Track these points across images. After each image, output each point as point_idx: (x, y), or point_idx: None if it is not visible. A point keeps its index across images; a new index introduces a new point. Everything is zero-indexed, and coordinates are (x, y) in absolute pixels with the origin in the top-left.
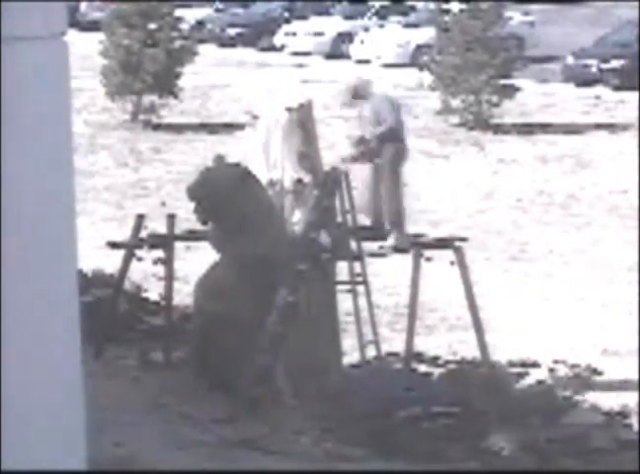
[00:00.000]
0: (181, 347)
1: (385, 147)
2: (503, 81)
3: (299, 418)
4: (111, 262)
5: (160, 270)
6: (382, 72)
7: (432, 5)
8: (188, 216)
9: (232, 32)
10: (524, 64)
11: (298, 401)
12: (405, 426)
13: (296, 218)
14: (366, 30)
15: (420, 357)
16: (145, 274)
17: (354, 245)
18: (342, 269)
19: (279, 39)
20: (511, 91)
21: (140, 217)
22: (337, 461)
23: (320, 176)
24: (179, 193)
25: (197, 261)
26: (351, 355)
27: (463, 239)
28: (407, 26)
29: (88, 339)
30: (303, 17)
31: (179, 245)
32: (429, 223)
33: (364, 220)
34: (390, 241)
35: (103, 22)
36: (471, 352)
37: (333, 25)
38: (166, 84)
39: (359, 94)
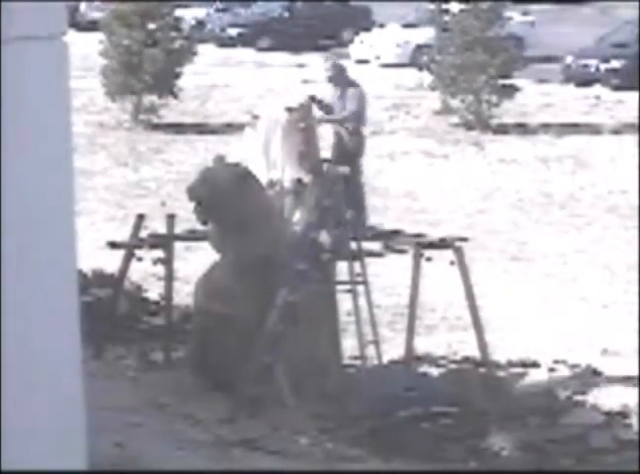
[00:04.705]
0: (181, 347)
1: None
2: (502, 81)
3: (299, 418)
4: (111, 262)
5: (160, 270)
6: (382, 72)
7: (432, 5)
8: (188, 216)
9: (232, 32)
10: (524, 64)
11: (298, 401)
12: (405, 426)
13: (296, 218)
14: (367, 29)
15: (420, 358)
16: (145, 274)
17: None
18: (342, 269)
19: None
20: (510, 91)
21: (140, 217)
22: (337, 461)
23: (320, 176)
24: (179, 193)
25: (197, 261)
26: (351, 355)
27: (463, 239)
28: (407, 26)
29: (88, 339)
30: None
31: (179, 245)
32: (429, 223)
33: None
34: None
35: (102, 22)
36: (471, 352)
37: None
38: (166, 84)
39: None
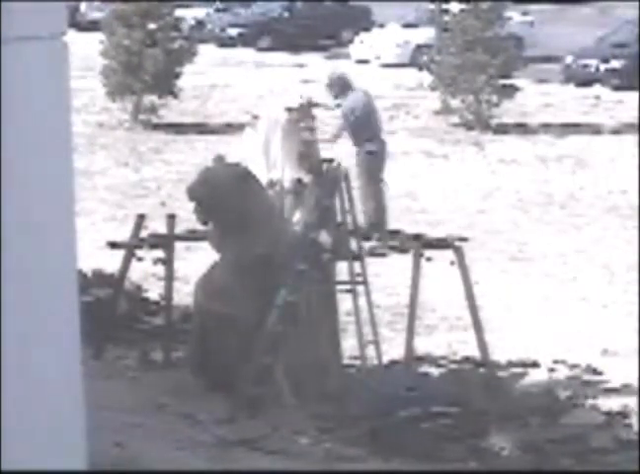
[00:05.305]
0: (181, 347)
1: (361, 147)
2: (502, 81)
3: (299, 418)
4: (111, 262)
5: (160, 270)
6: (382, 72)
7: (432, 5)
8: (188, 216)
9: (232, 32)
10: (524, 64)
11: (298, 401)
12: (405, 426)
13: (296, 218)
14: (367, 29)
15: (420, 358)
16: (145, 274)
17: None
18: (342, 269)
19: None
20: (510, 91)
21: (140, 217)
22: (337, 461)
23: (320, 176)
24: (179, 193)
25: (197, 261)
26: (351, 355)
27: (463, 239)
28: (407, 26)
29: (88, 339)
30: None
31: (179, 245)
32: (429, 223)
33: None
34: (372, 242)
35: (103, 22)
36: (471, 352)
37: None
38: (166, 84)
39: (340, 89)
